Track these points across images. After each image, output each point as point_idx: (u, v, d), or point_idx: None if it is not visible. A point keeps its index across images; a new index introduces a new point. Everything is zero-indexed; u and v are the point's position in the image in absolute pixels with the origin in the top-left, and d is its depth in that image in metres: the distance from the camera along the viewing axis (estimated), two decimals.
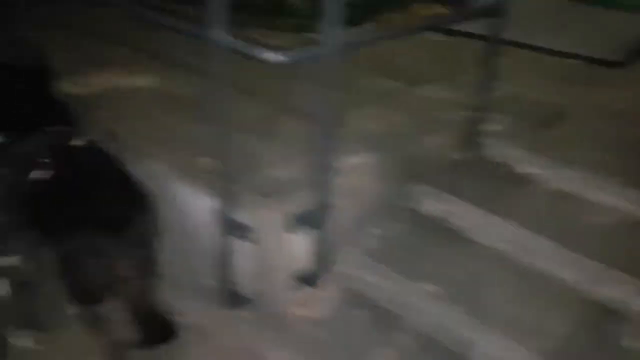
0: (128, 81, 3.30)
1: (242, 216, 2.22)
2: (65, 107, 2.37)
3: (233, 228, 2.21)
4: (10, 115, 2.25)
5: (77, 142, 2.16)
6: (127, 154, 2.27)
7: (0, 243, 2.28)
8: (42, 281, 2.28)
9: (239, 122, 2.23)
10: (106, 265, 1.89)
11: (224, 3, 1.87)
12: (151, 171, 2.41)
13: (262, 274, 2.28)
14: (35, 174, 2.02)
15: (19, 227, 2.13)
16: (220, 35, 1.91)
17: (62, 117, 2.27)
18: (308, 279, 2.30)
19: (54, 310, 2.27)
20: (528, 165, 2.79)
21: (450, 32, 4.43)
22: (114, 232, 1.86)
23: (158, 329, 2.04)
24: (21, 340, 2.25)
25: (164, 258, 2.13)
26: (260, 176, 2.42)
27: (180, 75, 3.31)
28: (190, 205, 2.39)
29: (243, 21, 4.40)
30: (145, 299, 2.02)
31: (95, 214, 1.87)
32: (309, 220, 2.20)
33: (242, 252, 2.26)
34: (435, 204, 2.58)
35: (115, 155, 2.18)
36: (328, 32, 1.86)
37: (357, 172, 2.49)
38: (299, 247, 2.26)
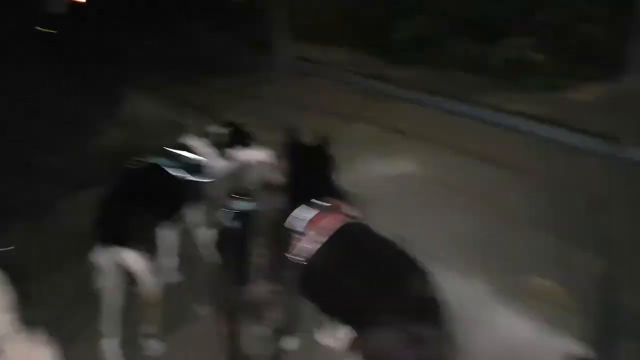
0: (388, 167, 2.92)
1: None
2: (335, 184, 2.25)
3: None
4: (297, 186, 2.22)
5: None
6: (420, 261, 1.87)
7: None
8: None
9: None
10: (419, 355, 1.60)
11: None
12: (459, 287, 1.96)
13: None
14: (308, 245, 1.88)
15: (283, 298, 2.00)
16: None
17: (334, 193, 2.14)
18: None
19: None
20: None
21: None
22: (419, 316, 1.61)
23: None
24: None
25: None
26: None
27: (449, 159, 2.88)
28: (524, 338, 1.85)
29: (476, 84, 3.96)
30: None
31: (392, 296, 1.66)
32: None
33: None
34: None
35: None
36: None
37: None
38: None
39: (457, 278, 2.06)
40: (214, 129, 2.70)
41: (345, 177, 2.87)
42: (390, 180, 2.81)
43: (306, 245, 1.88)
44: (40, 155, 4.42)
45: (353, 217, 2.00)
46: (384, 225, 2.28)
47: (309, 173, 2.27)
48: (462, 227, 2.33)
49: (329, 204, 2.02)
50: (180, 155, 2.55)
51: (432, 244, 2.23)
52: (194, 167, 2.55)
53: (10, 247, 2.52)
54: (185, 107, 4.03)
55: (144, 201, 2.31)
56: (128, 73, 5.14)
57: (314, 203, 2.01)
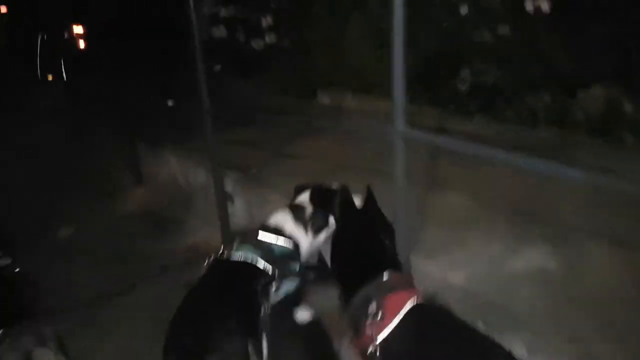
0: (510, 260, 2.36)
1: None
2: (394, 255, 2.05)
3: None
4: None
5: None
6: None
7: None
8: None
9: None
10: None
11: None
12: None
13: None
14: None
15: None
16: None
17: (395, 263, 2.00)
18: None
19: None
20: None
21: None
22: None
23: None
24: None
25: None
26: None
27: (589, 246, 2.37)
28: None
29: (563, 140, 3.53)
30: None
31: None
32: None
33: None
34: None
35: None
36: None
37: None
38: None
39: None
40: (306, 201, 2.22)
41: (460, 274, 2.39)
42: (526, 278, 2.30)
43: (378, 331, 1.68)
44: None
45: (425, 295, 1.78)
46: (534, 347, 1.84)
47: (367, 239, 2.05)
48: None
49: (396, 278, 1.82)
50: (271, 244, 2.06)
51: None
52: (290, 255, 2.08)
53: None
54: (227, 169, 3.54)
55: (236, 311, 1.84)
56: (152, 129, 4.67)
57: (380, 278, 1.82)
